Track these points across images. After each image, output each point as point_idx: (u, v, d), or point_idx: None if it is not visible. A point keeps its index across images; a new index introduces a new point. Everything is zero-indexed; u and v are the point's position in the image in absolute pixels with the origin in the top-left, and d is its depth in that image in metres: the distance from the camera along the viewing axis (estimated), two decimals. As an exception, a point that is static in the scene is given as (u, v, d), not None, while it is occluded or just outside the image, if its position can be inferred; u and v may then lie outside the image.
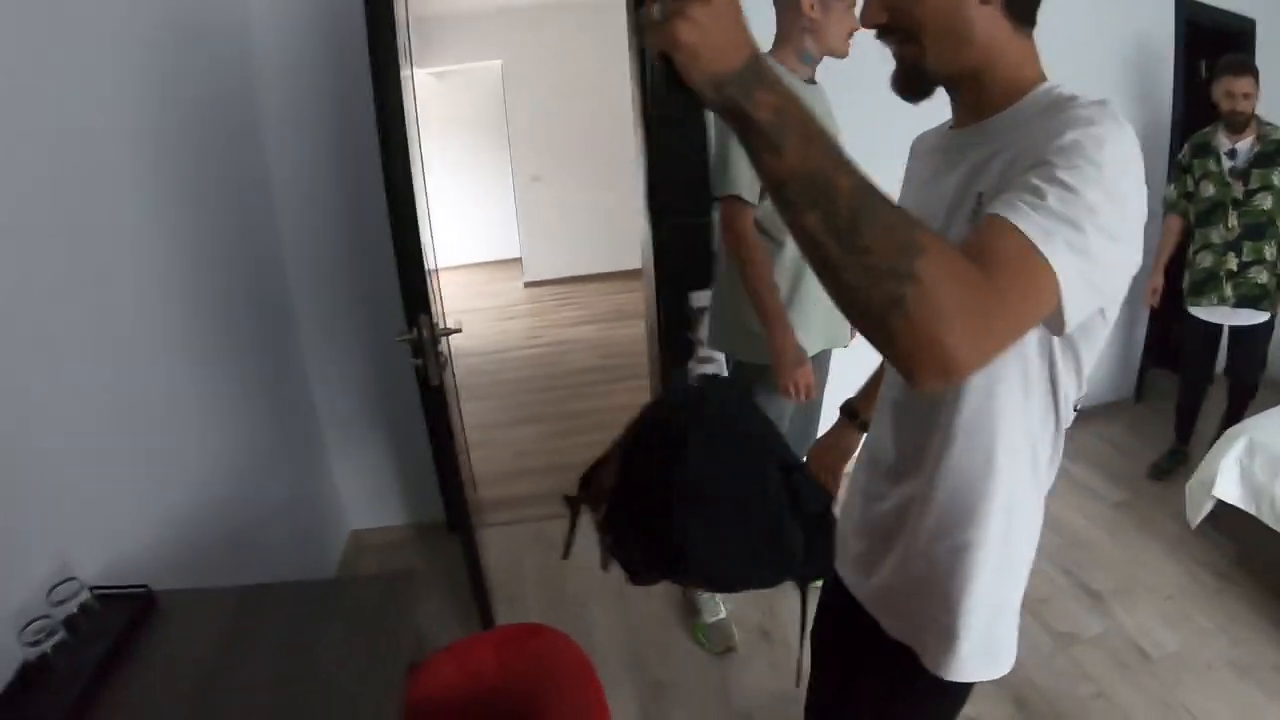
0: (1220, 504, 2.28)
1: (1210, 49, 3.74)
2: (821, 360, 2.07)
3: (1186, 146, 2.94)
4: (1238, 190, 2.73)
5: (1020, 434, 0.82)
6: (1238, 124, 2.72)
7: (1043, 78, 0.78)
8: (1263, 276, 2.76)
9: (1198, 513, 2.35)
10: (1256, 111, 2.74)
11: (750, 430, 1.01)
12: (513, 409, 4.08)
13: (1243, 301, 2.81)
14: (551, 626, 1.44)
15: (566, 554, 1.09)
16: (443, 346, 1.94)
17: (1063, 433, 0.85)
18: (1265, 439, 2.23)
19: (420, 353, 1.81)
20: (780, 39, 1.84)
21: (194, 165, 1.87)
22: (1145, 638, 2.16)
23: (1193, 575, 2.43)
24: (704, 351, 2.12)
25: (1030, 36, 0.78)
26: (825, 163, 0.54)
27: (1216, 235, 2.81)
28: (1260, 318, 2.85)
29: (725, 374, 1.94)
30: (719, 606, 2.28)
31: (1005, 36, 0.75)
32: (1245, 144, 2.74)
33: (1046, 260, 0.60)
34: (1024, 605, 0.93)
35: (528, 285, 6.84)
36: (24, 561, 1.10)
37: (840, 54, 1.82)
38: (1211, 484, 2.29)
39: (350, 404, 2.67)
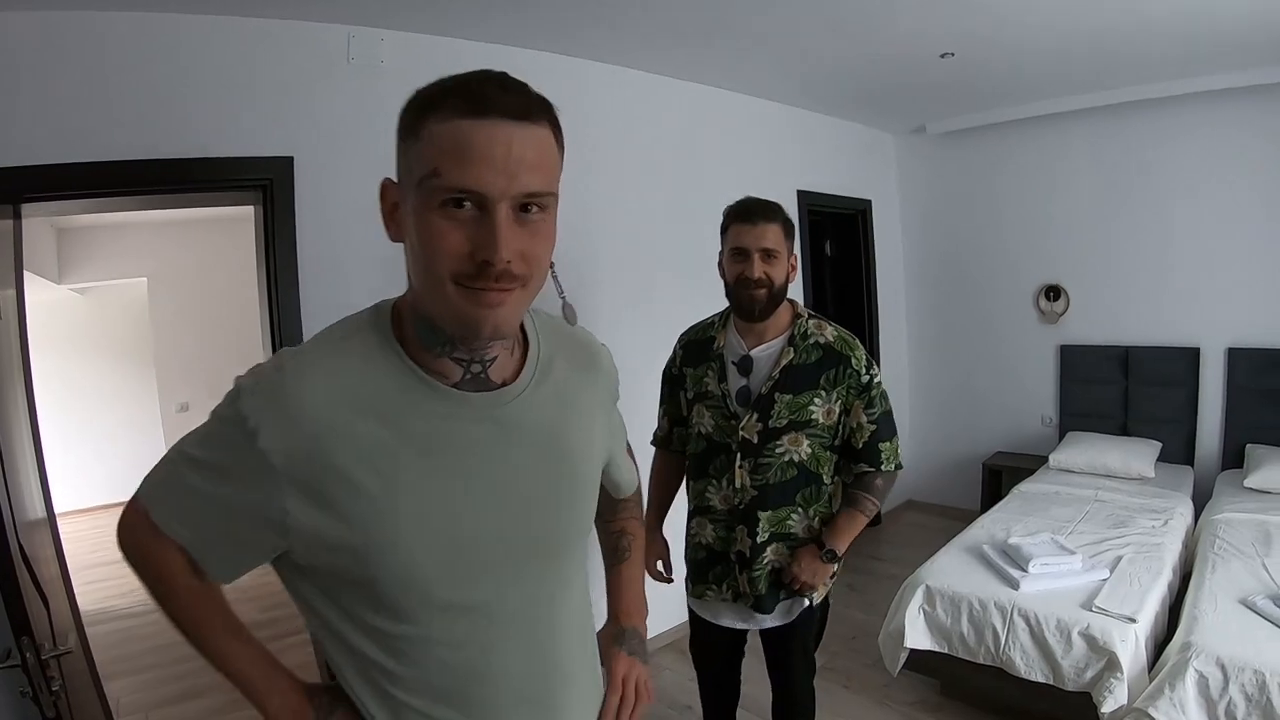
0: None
1: (834, 230, 4.26)
2: None
3: (678, 346, 1.86)
4: (750, 429, 1.66)
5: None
6: (752, 306, 1.64)
7: None
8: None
9: (895, 663, 2.47)
10: (790, 296, 1.71)
11: None
12: (175, 680, 3.31)
13: (762, 604, 1.71)
14: None
15: None
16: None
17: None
18: (940, 584, 2.44)
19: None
20: None
21: None
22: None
23: (906, 716, 2.50)
24: None
25: None
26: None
27: (717, 496, 1.74)
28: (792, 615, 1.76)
29: None
30: None
31: None
32: (768, 349, 1.68)
33: None
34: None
35: (182, 525, 5.82)
36: None
37: None
38: (901, 636, 2.42)
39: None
